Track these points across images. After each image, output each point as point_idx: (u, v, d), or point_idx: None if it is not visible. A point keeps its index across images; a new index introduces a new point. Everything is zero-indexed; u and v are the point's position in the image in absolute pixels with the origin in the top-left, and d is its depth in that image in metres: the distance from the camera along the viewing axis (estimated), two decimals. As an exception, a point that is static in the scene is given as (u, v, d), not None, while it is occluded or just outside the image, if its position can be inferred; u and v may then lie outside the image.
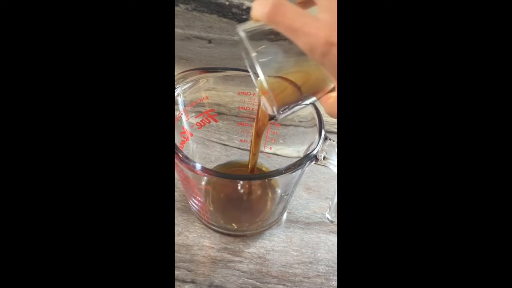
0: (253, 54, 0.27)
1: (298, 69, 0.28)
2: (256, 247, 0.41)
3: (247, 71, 0.31)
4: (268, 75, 0.27)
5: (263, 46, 0.27)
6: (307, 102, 0.29)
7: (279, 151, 0.45)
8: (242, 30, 0.27)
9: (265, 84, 0.27)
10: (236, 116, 0.45)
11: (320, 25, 0.24)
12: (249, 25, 0.27)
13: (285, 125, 0.43)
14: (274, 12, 0.24)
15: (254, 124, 0.36)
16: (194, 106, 0.41)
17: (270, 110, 0.29)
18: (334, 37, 0.24)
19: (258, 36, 0.27)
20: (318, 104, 0.33)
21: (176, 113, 0.39)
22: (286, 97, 0.28)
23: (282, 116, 0.29)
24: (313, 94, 0.29)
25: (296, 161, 0.33)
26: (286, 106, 0.29)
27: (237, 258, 0.40)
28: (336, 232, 0.43)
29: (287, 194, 0.41)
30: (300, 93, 0.28)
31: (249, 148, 0.47)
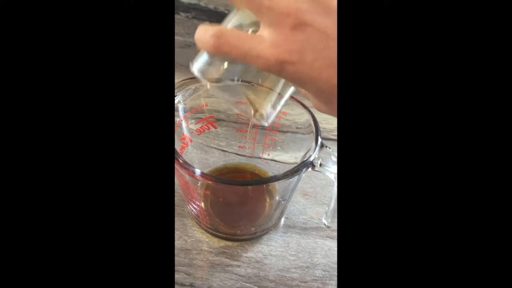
0: (208, 87, 0.27)
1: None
2: (254, 252, 0.42)
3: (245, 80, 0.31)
4: (239, 95, 0.27)
5: (225, 69, 0.27)
6: (287, 95, 0.29)
7: (277, 157, 0.46)
8: (195, 67, 0.27)
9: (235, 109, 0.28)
10: (235, 122, 0.46)
11: (266, 46, 0.23)
12: (200, 56, 0.27)
13: (283, 131, 0.44)
14: (218, 44, 0.24)
15: None
16: (194, 113, 0.41)
17: (262, 120, 0.29)
18: (282, 55, 0.23)
19: (216, 62, 0.27)
20: (314, 112, 0.34)
21: (177, 119, 0.40)
22: (264, 102, 0.28)
23: (270, 119, 0.29)
24: (290, 86, 0.29)
25: (293, 168, 0.34)
26: (269, 110, 0.29)
27: (235, 262, 0.41)
28: (333, 238, 0.44)
29: (285, 200, 0.41)
30: (275, 92, 0.28)
31: (247, 154, 0.48)
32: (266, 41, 0.23)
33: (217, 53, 0.25)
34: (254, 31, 0.26)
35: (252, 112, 0.28)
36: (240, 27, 0.26)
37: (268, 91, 0.28)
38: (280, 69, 0.24)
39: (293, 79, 0.25)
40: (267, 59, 0.23)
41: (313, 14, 0.23)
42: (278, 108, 0.29)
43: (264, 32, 0.24)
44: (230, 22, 0.27)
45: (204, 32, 0.25)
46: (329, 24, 0.23)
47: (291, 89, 0.29)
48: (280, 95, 0.29)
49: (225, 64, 0.27)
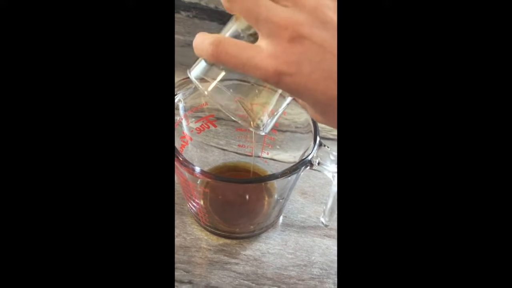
0: (205, 93, 0.27)
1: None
2: (252, 250, 0.42)
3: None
4: (237, 100, 0.27)
5: (223, 76, 0.27)
6: (285, 104, 0.29)
7: (276, 156, 0.46)
8: (192, 74, 0.27)
9: (234, 117, 0.28)
10: (235, 121, 0.46)
11: (264, 56, 0.23)
12: (198, 64, 0.27)
13: (282, 131, 0.44)
14: (216, 52, 0.24)
15: None
16: (194, 111, 0.42)
17: (259, 130, 0.29)
18: (280, 66, 0.23)
19: (214, 70, 0.27)
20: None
21: (177, 118, 0.40)
22: (260, 112, 0.28)
23: (268, 128, 0.29)
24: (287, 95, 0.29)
25: (292, 166, 0.34)
26: (267, 119, 0.29)
27: (233, 260, 0.41)
28: (330, 236, 0.44)
29: (283, 198, 0.42)
30: (271, 103, 0.28)
31: (246, 153, 0.48)
32: (264, 51, 0.24)
33: (215, 62, 0.25)
34: (253, 35, 0.26)
35: (250, 121, 0.29)
36: (238, 35, 0.27)
37: (265, 102, 0.28)
38: (278, 80, 0.24)
39: (290, 90, 0.25)
40: (266, 69, 0.24)
41: (311, 27, 0.23)
42: (275, 118, 0.29)
43: (262, 42, 0.24)
44: (229, 31, 0.27)
45: (203, 40, 0.25)
46: (327, 37, 0.23)
47: (288, 99, 0.29)
48: (277, 105, 0.29)
49: (223, 72, 0.27)
